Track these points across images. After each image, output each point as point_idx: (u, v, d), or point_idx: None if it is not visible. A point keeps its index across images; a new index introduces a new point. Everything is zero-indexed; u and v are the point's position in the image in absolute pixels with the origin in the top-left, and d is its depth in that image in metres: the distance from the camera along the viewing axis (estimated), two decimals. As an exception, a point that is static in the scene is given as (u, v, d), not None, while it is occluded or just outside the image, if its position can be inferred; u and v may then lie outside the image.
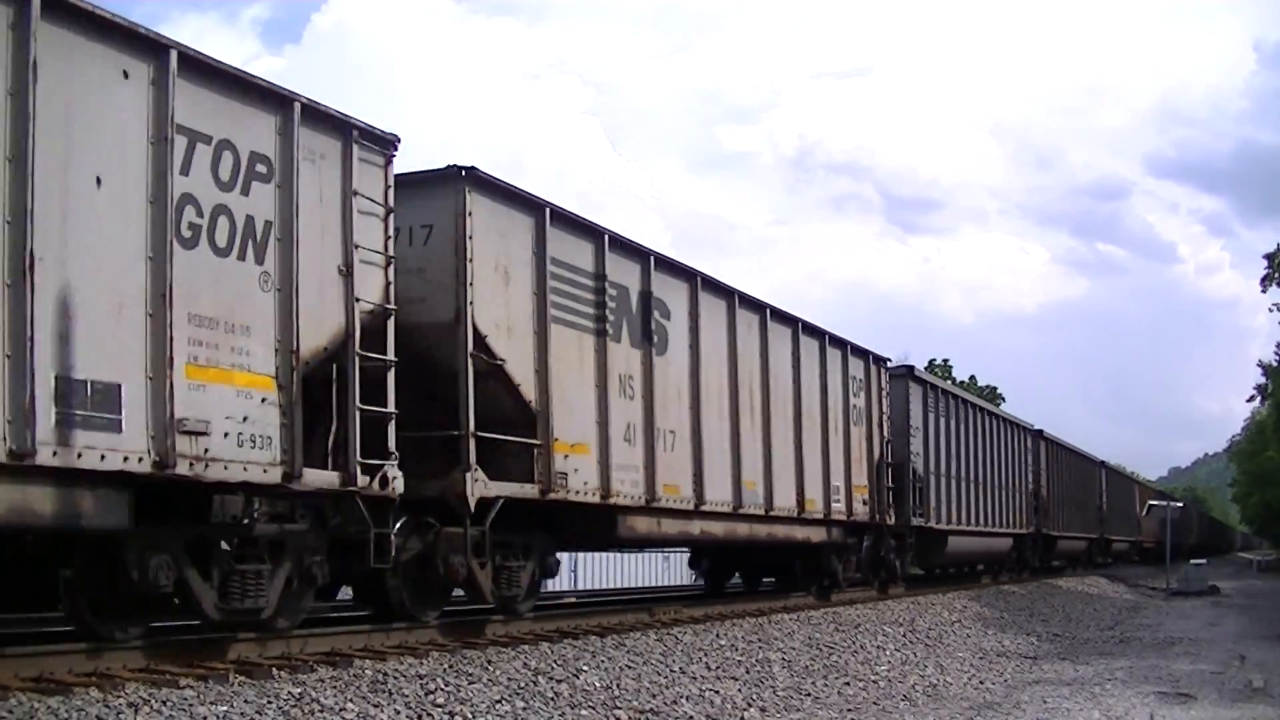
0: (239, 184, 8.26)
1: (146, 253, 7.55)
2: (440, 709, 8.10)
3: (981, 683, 13.34)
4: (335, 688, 8.03)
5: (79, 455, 7.00)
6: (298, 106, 8.67)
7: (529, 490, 10.98)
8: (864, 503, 18.90)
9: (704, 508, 13.93)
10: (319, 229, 8.90)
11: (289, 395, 8.45)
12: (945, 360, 67.28)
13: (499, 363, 10.70)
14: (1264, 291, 39.45)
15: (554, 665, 9.97)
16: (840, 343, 18.32)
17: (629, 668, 10.55)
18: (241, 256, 8.24)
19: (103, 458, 7.14)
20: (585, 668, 10.15)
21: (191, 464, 7.71)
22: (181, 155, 7.78)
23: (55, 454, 6.86)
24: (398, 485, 9.33)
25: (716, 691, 10.46)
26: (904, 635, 16.22)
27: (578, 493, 11.62)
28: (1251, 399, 52.21)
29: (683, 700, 9.92)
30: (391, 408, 9.35)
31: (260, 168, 8.44)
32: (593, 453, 11.90)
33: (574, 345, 11.78)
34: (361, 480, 9.00)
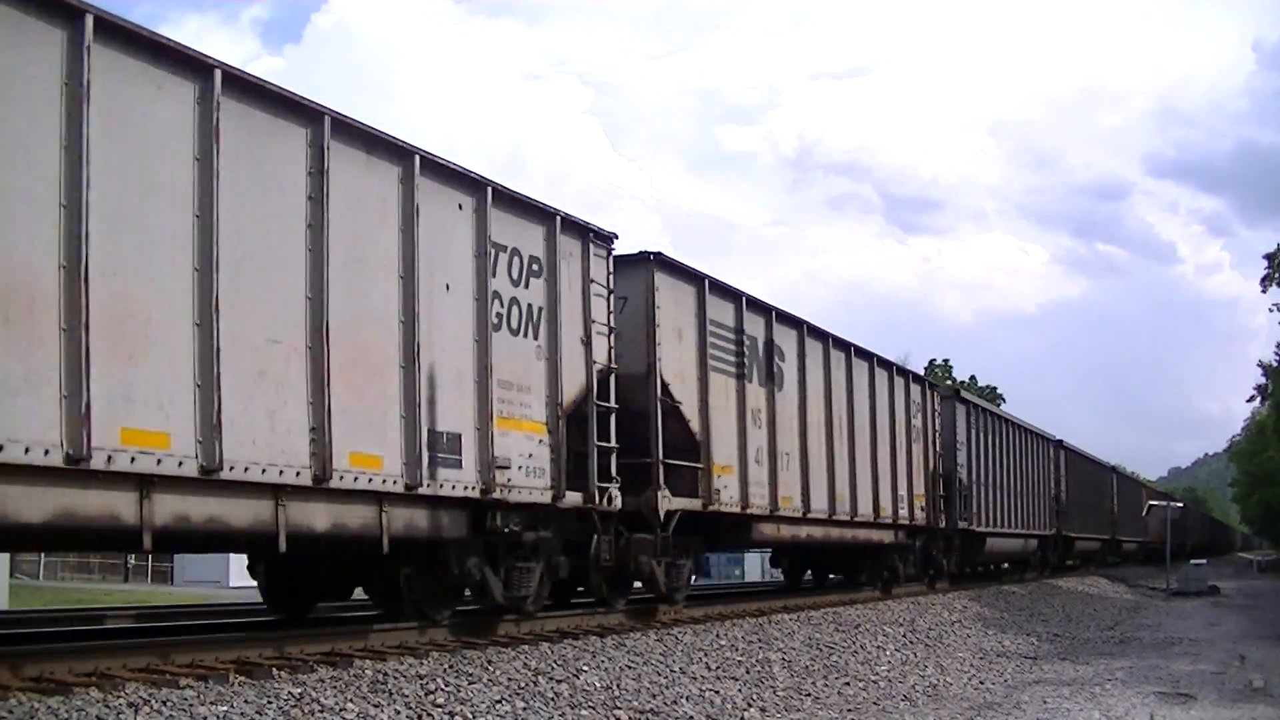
0: (523, 280, 11.15)
1: (474, 337, 10.46)
2: (440, 709, 8.10)
3: (982, 683, 13.34)
4: (335, 688, 8.03)
5: (440, 486, 9.90)
6: (559, 219, 11.60)
7: (695, 504, 13.80)
8: (921, 509, 21.85)
9: (809, 515, 16.93)
10: (570, 310, 11.83)
11: (556, 437, 11.42)
12: (946, 360, 67.49)
13: (677, 404, 13.66)
14: (1264, 291, 39.46)
15: (554, 665, 9.97)
16: (904, 372, 21.82)
17: (629, 668, 10.55)
18: (525, 335, 11.14)
19: (453, 488, 10.07)
20: (585, 668, 10.15)
21: (501, 490, 10.59)
22: (492, 263, 10.65)
23: (428, 486, 9.72)
24: (617, 502, 12.35)
25: (716, 692, 10.46)
26: (904, 635, 16.22)
27: (727, 505, 14.53)
28: (1251, 399, 52.22)
29: (683, 700, 9.92)
30: (614, 443, 12.28)
31: (535, 267, 11.33)
32: (735, 472, 14.81)
33: (723, 387, 14.68)
34: (597, 499, 11.96)
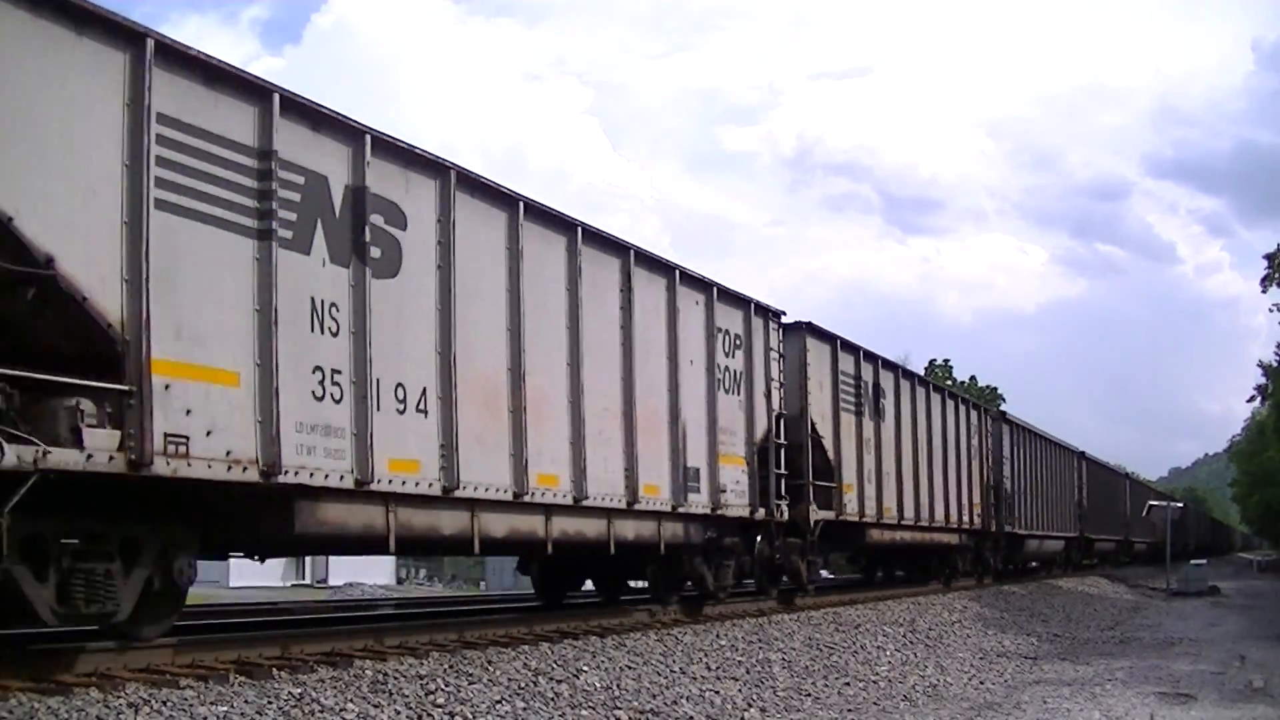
0: (731, 352, 14.93)
1: (706, 398, 14.24)
2: (440, 709, 8.10)
3: (982, 683, 13.33)
4: (335, 688, 8.03)
5: (690, 506, 13.71)
6: (752, 305, 15.44)
7: (830, 514, 17.54)
8: (977, 515, 25.65)
9: (902, 522, 20.80)
10: (758, 371, 15.57)
11: (751, 467, 15.26)
12: (946, 361, 67.36)
13: (820, 438, 17.54)
14: (1264, 292, 39.33)
15: (554, 665, 9.97)
16: (965, 401, 26.33)
17: (629, 668, 10.55)
18: (732, 393, 14.91)
19: (697, 507, 13.88)
20: (585, 668, 10.15)
21: (723, 508, 14.39)
22: (716, 342, 14.49)
23: (684, 506, 13.57)
24: (785, 515, 16.08)
25: (717, 692, 10.46)
26: (904, 635, 16.22)
27: (850, 515, 18.34)
28: (1251, 399, 52.14)
29: (683, 701, 9.92)
30: (784, 470, 15.98)
31: (738, 341, 15.16)
32: (855, 489, 18.69)
33: (848, 423, 18.61)
34: (775, 513, 15.71)
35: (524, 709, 8.61)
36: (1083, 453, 38.62)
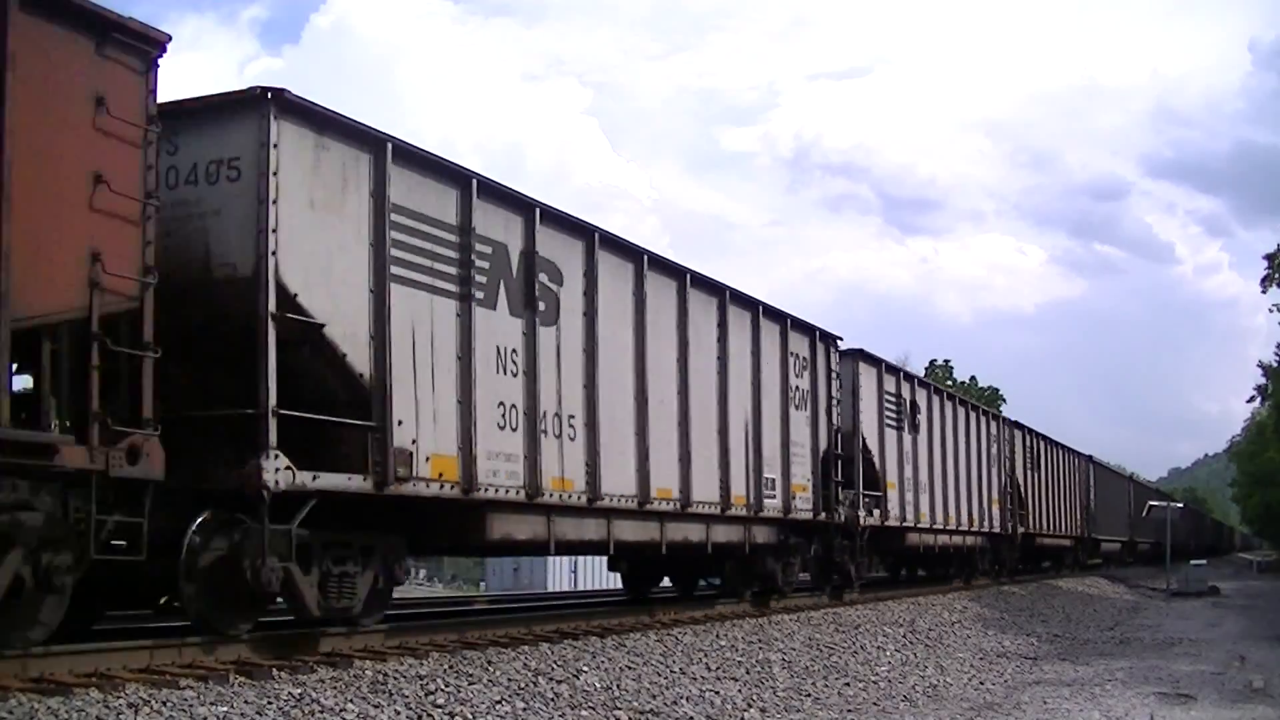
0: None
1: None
2: (440, 709, 8.10)
3: (982, 683, 13.34)
4: (335, 688, 8.03)
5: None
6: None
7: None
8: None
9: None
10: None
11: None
12: (946, 361, 67.42)
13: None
14: (1264, 292, 39.40)
15: (554, 666, 9.97)
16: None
17: (629, 668, 10.55)
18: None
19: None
20: (585, 668, 10.15)
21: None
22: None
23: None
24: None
25: (716, 692, 10.46)
26: (904, 636, 16.22)
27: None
28: (1251, 399, 52.21)
29: (683, 701, 9.92)
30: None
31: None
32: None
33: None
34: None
35: (524, 709, 8.61)
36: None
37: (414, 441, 9.49)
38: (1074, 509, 36.62)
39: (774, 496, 15.70)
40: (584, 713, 8.93)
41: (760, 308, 15.70)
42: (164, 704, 6.94)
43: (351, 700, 7.81)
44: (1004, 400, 65.90)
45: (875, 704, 11.33)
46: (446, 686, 8.63)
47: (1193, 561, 39.45)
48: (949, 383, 58.31)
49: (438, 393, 9.89)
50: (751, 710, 10.16)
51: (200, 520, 8.43)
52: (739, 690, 10.77)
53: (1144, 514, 47.75)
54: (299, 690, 7.75)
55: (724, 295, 14.77)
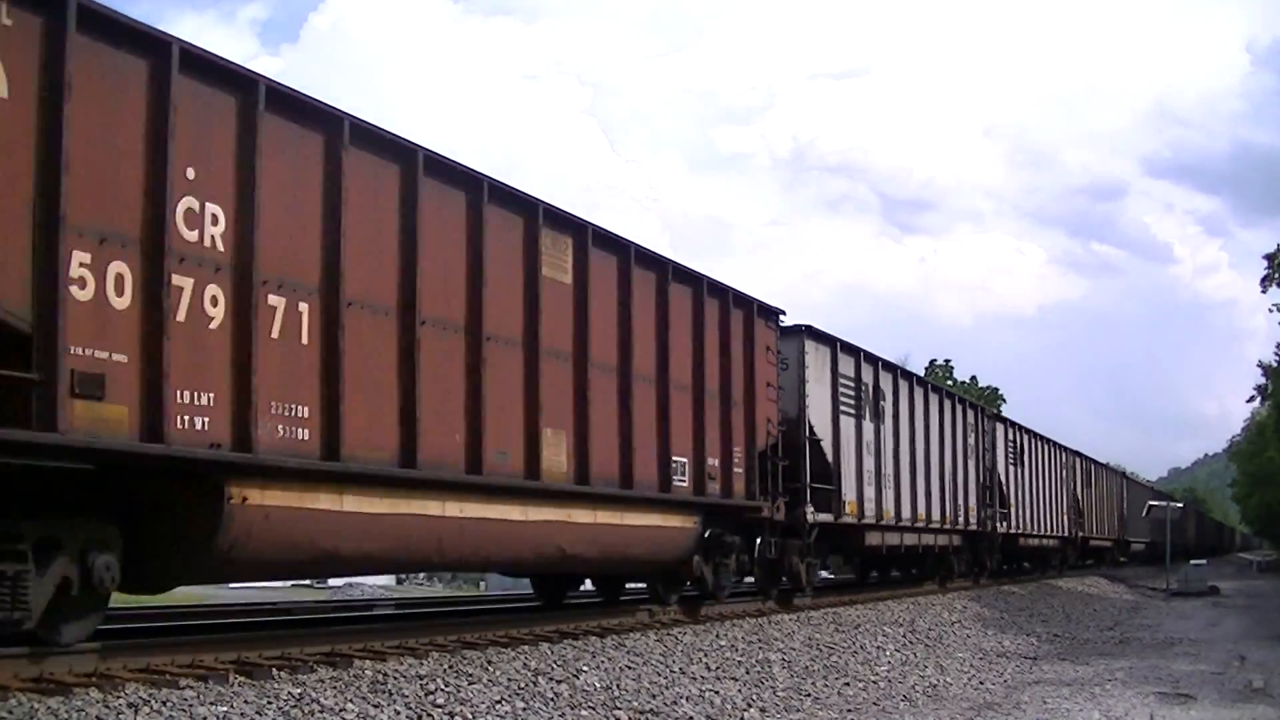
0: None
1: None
2: (440, 709, 8.10)
3: (981, 683, 13.34)
4: (335, 688, 8.03)
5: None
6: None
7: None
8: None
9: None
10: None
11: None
12: (947, 361, 67.33)
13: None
14: (1264, 292, 39.35)
15: (554, 665, 9.97)
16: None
17: (629, 668, 10.55)
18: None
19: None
20: (585, 668, 10.15)
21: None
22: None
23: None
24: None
25: (716, 692, 10.46)
26: (904, 636, 16.22)
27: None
28: (1251, 399, 52.20)
29: (682, 701, 9.92)
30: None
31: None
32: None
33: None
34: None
35: (524, 709, 8.61)
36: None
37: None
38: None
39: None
40: (584, 712, 8.93)
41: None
42: (164, 704, 6.94)
43: (351, 700, 7.81)
44: (1004, 400, 65.90)
45: (875, 704, 11.33)
46: (446, 686, 8.63)
47: (1192, 561, 39.45)
48: (949, 383, 58.29)
49: None
50: (751, 710, 10.16)
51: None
52: (739, 690, 10.77)
53: (1144, 513, 47.86)
54: (299, 690, 7.75)
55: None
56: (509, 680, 9.20)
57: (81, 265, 6.87)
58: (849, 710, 10.81)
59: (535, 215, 10.96)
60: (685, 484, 13.24)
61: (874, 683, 12.52)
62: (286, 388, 8.19)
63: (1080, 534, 37.98)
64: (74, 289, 6.79)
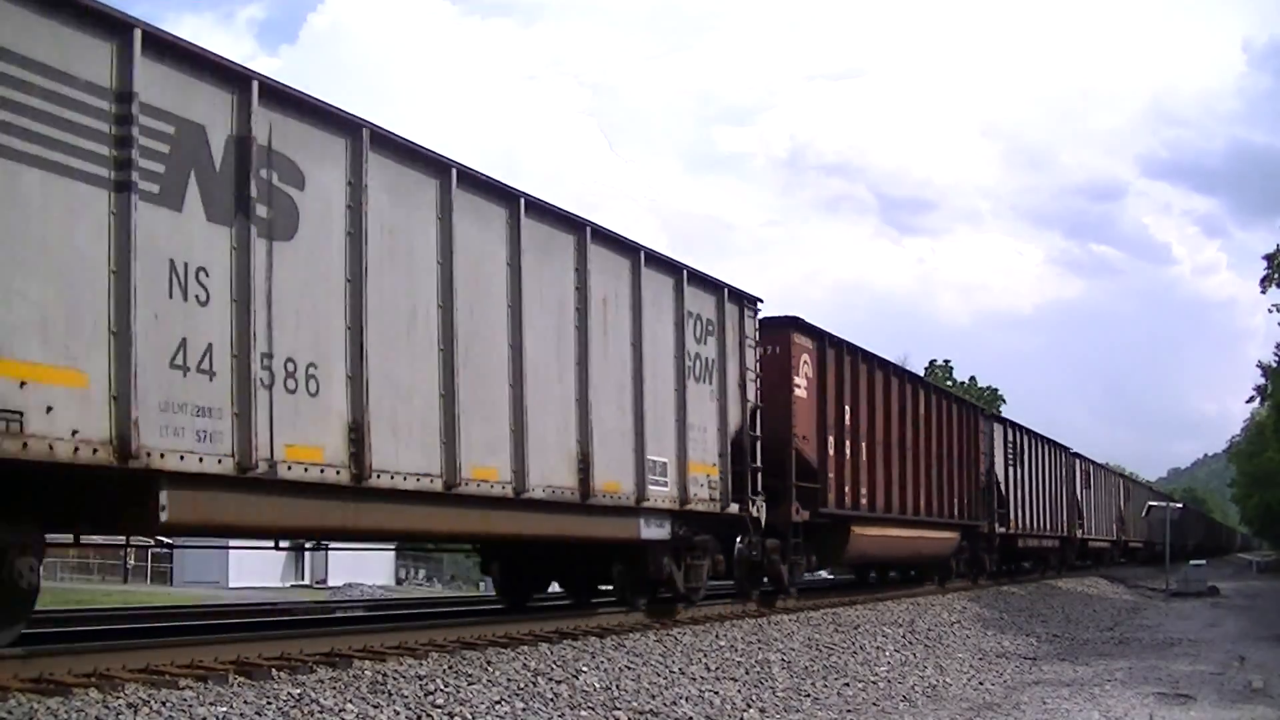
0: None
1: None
2: (440, 710, 8.10)
3: (981, 683, 13.34)
4: (335, 688, 8.03)
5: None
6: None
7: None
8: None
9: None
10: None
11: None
12: (946, 361, 67.39)
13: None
14: (1263, 292, 39.43)
15: (553, 666, 9.97)
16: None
17: (629, 669, 10.55)
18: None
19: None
20: (585, 668, 10.15)
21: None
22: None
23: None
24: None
25: (716, 692, 10.46)
26: (903, 636, 16.22)
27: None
28: (1251, 400, 52.25)
29: (682, 701, 9.92)
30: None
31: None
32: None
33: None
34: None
35: (523, 709, 8.61)
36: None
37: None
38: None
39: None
40: (583, 713, 8.94)
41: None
42: (163, 704, 6.94)
43: (351, 700, 7.81)
44: (1003, 400, 65.97)
45: (875, 704, 11.33)
46: (446, 687, 8.63)
47: (1192, 562, 39.46)
48: (949, 383, 58.33)
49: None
50: (751, 710, 10.16)
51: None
52: (738, 690, 10.77)
53: (1144, 514, 47.93)
54: (298, 690, 7.75)
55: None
56: (509, 680, 9.20)
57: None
58: (848, 710, 10.81)
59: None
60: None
61: (873, 683, 12.52)
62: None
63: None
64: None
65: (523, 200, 10.85)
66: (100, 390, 7.15)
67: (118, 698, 6.93)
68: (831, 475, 17.54)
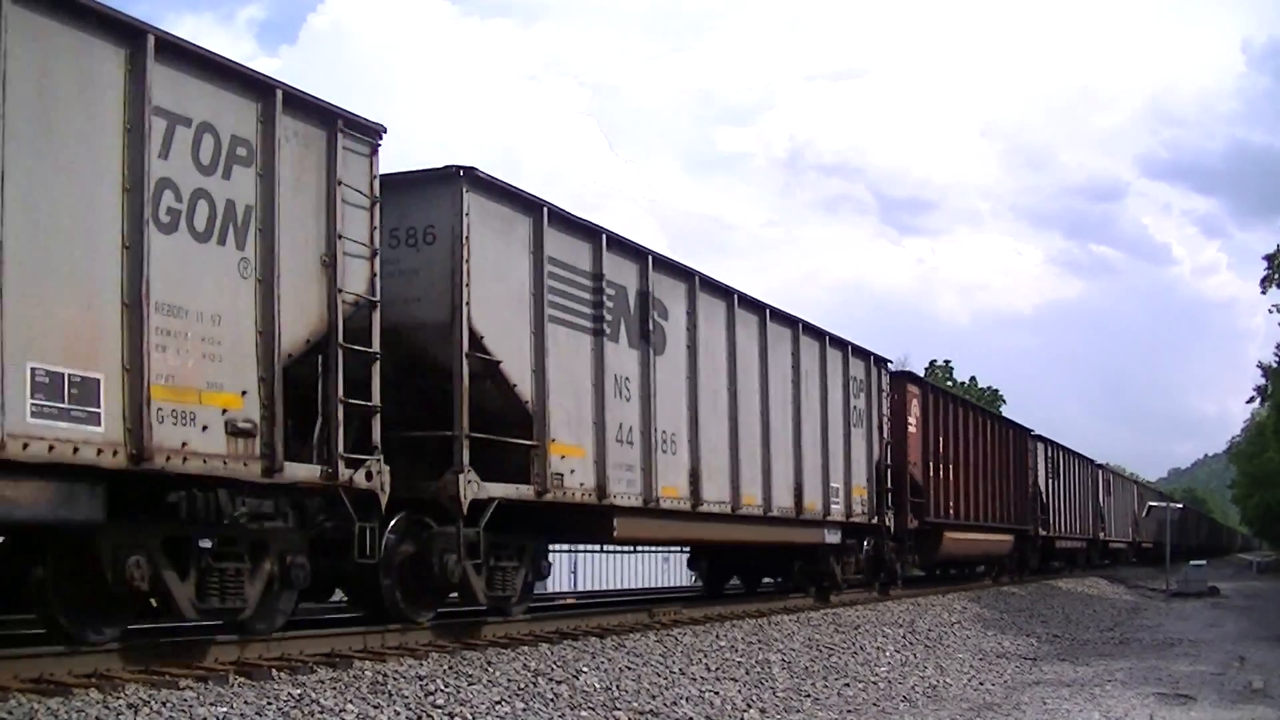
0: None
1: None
2: (440, 710, 8.10)
3: (981, 684, 13.34)
4: (335, 689, 8.03)
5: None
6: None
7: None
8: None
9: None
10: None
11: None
12: (947, 361, 67.28)
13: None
14: (1264, 293, 39.34)
15: (554, 666, 9.97)
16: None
17: (629, 669, 10.55)
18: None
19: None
20: (585, 669, 10.15)
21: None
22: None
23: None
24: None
25: (716, 693, 10.46)
26: (904, 636, 16.21)
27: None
28: (1251, 400, 52.15)
29: (682, 701, 9.92)
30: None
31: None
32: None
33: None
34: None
35: (524, 710, 8.61)
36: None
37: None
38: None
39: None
40: (584, 713, 8.94)
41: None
42: (163, 704, 6.94)
43: (351, 701, 7.81)
44: (1004, 401, 65.89)
45: (875, 704, 11.33)
46: (446, 687, 8.63)
47: (1192, 562, 39.45)
48: (949, 383, 58.32)
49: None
50: (751, 711, 10.16)
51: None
52: (738, 691, 10.77)
53: (1143, 514, 48.12)
54: (298, 691, 7.75)
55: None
56: (509, 681, 9.20)
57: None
58: (849, 711, 10.82)
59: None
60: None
61: (874, 683, 12.52)
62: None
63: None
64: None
65: (768, 310, 15.74)
66: (591, 458, 11.78)
67: (118, 698, 6.94)
68: (931, 492, 22.27)
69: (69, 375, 6.96)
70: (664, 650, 11.69)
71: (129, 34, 7.54)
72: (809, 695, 11.28)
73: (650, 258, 13.02)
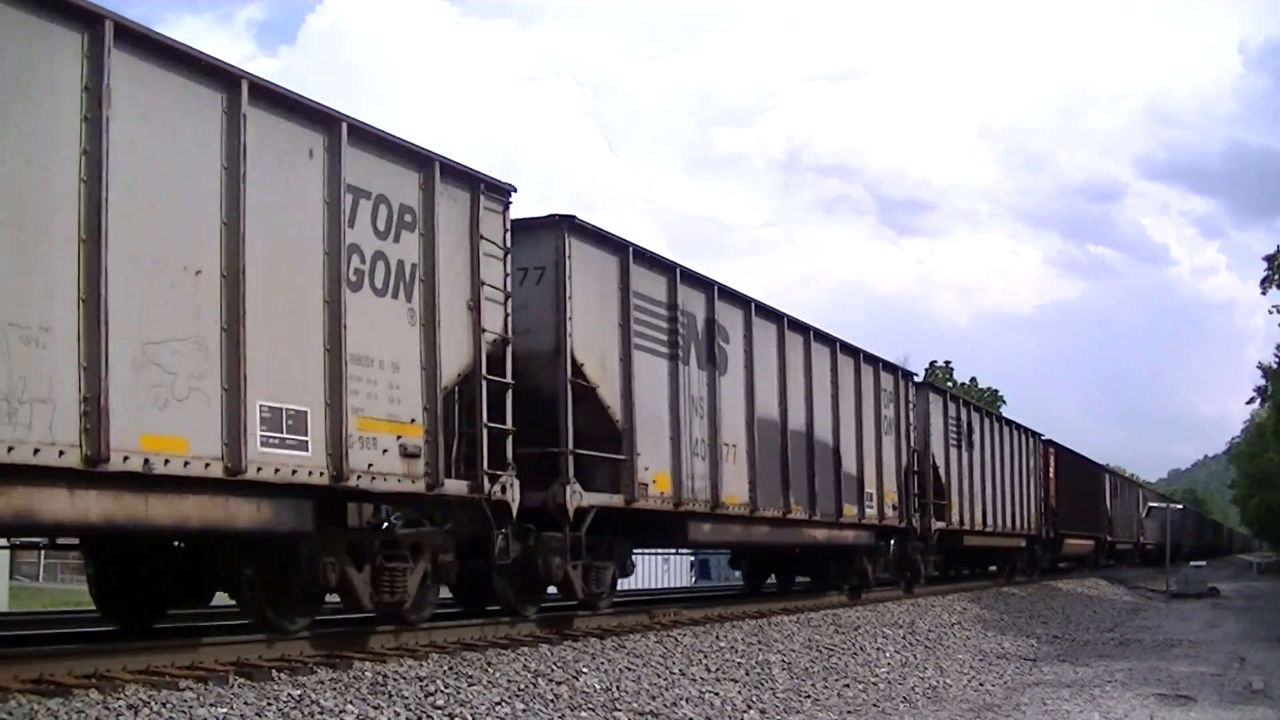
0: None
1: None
2: (440, 711, 8.10)
3: (981, 685, 13.34)
4: (335, 689, 8.03)
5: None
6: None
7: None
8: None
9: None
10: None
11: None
12: (947, 362, 67.43)
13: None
14: (1264, 293, 39.34)
15: (554, 667, 9.97)
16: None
17: (629, 670, 10.54)
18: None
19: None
20: (585, 669, 10.14)
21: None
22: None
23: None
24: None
25: (716, 693, 10.46)
26: (903, 637, 16.21)
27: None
28: (1250, 401, 52.16)
29: (682, 702, 9.91)
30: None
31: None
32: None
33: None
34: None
35: (524, 710, 8.60)
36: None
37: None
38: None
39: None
40: (584, 714, 8.93)
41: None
42: (163, 705, 6.94)
43: (351, 701, 7.81)
44: (1004, 401, 65.98)
45: (875, 705, 11.32)
46: (446, 688, 8.63)
47: (1192, 563, 39.44)
48: (949, 384, 58.35)
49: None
50: (751, 711, 10.16)
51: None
52: (738, 691, 10.77)
53: (1144, 514, 48.16)
54: (298, 691, 7.75)
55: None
56: (509, 682, 9.20)
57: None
58: (849, 712, 10.81)
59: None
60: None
61: (874, 684, 12.52)
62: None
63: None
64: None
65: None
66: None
67: (118, 699, 6.94)
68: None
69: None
70: (664, 651, 11.69)
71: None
72: (809, 696, 11.27)
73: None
